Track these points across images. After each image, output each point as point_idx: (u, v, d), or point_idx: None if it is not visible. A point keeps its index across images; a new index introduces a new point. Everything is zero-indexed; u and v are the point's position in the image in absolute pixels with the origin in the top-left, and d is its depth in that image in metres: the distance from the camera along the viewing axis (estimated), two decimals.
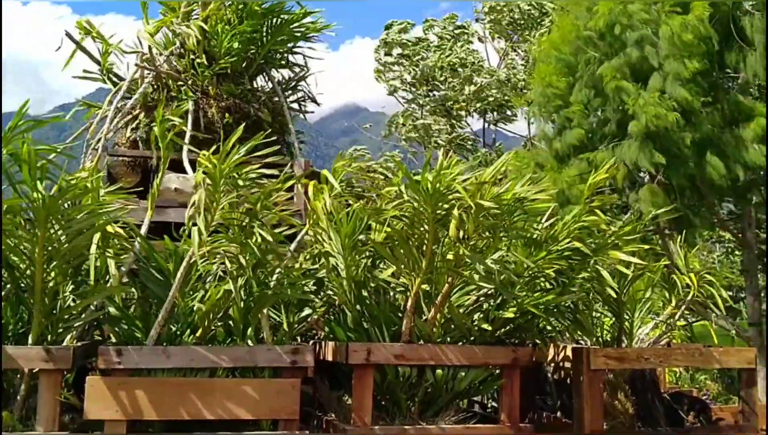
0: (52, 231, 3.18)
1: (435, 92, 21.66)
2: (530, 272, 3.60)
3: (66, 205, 3.21)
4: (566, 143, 10.39)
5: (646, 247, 3.69)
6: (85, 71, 5.41)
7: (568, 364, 4.01)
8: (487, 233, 3.40)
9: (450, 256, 3.37)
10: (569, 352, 3.94)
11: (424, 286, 3.47)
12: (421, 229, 3.36)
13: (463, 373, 3.64)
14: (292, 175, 4.12)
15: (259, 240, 3.38)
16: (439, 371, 3.60)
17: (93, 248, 3.37)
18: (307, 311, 4.06)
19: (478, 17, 22.19)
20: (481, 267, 3.32)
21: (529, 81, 14.32)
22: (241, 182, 3.37)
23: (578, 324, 3.85)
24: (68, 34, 5.25)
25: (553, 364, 4.30)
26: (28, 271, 3.27)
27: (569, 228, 3.53)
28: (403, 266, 3.46)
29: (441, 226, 3.34)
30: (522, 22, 20.76)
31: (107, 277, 3.54)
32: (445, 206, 3.30)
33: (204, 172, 3.22)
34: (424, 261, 3.39)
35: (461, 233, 3.25)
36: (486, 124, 22.14)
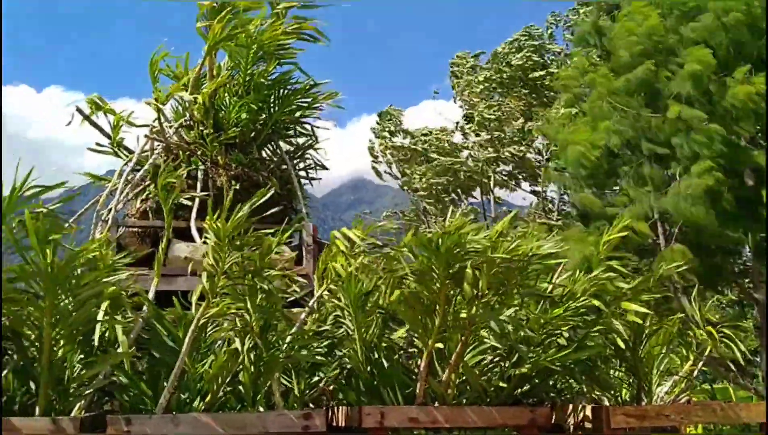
0: (60, 299, 3.15)
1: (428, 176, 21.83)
2: (545, 330, 3.53)
3: (76, 273, 3.19)
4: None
5: (658, 295, 3.63)
6: (97, 144, 5.50)
7: (588, 425, 3.89)
8: (501, 289, 3.35)
9: (463, 314, 3.33)
10: (588, 412, 3.83)
11: (438, 345, 3.40)
12: (434, 287, 3.32)
13: None
14: (294, 228, 4.11)
15: (264, 299, 3.36)
16: (456, 434, 3.50)
17: (100, 316, 3.34)
18: (318, 376, 3.99)
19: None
20: (494, 325, 3.27)
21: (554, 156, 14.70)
22: (244, 242, 3.38)
23: (596, 381, 3.75)
24: (79, 109, 5.37)
25: (571, 426, 4.17)
26: (35, 340, 3.23)
27: (586, 285, 3.49)
28: (416, 326, 3.41)
29: (453, 284, 3.31)
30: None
31: (116, 344, 3.49)
32: (458, 264, 3.27)
33: (211, 233, 3.22)
34: (437, 320, 3.34)
35: (474, 291, 3.21)
36: (485, 199, 22.29)
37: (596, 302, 3.43)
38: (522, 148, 20.19)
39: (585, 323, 3.66)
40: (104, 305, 3.32)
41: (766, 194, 10.47)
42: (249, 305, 3.31)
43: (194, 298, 3.32)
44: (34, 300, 3.13)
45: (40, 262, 3.05)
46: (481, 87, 20.60)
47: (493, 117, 20.07)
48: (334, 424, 3.78)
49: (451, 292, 3.34)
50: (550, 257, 3.52)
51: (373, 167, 22.49)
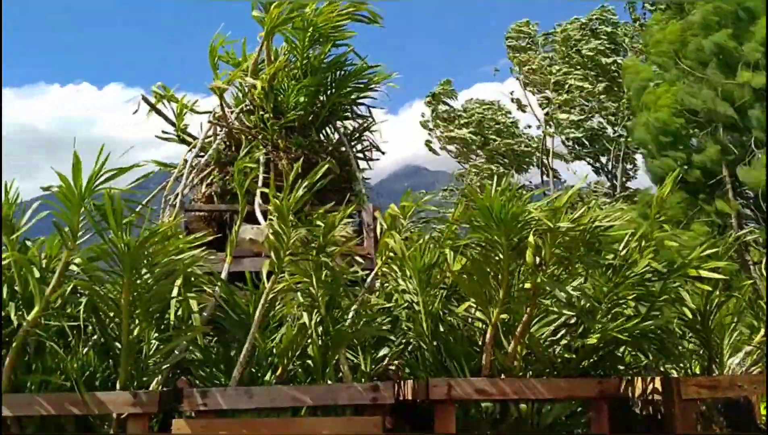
0: (136, 277, 3.28)
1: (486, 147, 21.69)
2: (611, 299, 3.50)
3: (150, 252, 3.31)
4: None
5: (724, 263, 3.53)
6: (163, 132, 5.66)
7: (657, 397, 3.84)
8: (564, 260, 3.34)
9: (527, 285, 3.32)
10: (658, 384, 3.77)
11: (503, 316, 3.41)
12: (496, 257, 3.33)
13: (548, 407, 3.54)
14: (354, 207, 4.16)
15: (329, 274, 3.42)
16: (523, 406, 3.51)
17: (174, 292, 3.46)
18: (383, 351, 4.04)
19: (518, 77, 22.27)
20: (561, 294, 3.26)
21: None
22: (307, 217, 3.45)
23: (665, 353, 3.70)
24: (145, 98, 5.54)
25: (640, 401, 4.12)
26: (114, 317, 3.37)
27: (642, 248, 3.44)
28: (479, 298, 3.42)
29: (516, 254, 3.31)
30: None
31: (190, 321, 3.61)
32: (520, 234, 3.26)
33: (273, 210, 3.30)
34: (501, 291, 3.35)
35: (537, 260, 3.20)
36: (544, 176, 22.04)
37: (655, 265, 3.37)
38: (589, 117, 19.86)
39: (649, 293, 3.60)
40: (178, 282, 3.44)
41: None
42: (314, 281, 3.37)
43: (263, 274, 3.40)
44: (114, 278, 3.26)
45: (117, 242, 3.18)
46: (546, 68, 20.27)
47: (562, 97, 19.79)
48: (402, 397, 3.84)
49: (514, 263, 3.34)
50: (614, 228, 3.48)
51: (428, 144, 22.41)
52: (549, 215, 3.22)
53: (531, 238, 3.18)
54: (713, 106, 11.34)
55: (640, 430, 4.13)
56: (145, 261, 3.29)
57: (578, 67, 20.25)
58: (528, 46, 21.57)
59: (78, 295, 3.71)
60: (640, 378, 4.00)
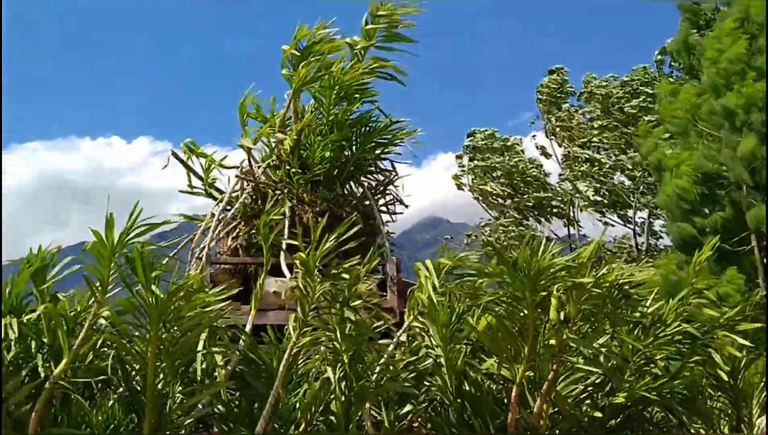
0: (163, 331, 3.32)
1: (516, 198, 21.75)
2: (639, 358, 3.46)
3: (177, 306, 3.35)
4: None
5: (758, 325, 3.49)
6: (190, 186, 5.77)
7: None
8: (591, 317, 3.32)
9: (553, 341, 3.30)
10: None
11: (528, 373, 3.38)
12: (521, 314, 3.32)
13: None
14: (379, 259, 4.18)
15: (352, 329, 3.43)
16: None
17: (200, 346, 3.48)
18: (407, 408, 4.01)
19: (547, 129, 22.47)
20: (587, 351, 3.23)
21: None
22: (333, 271, 3.48)
23: (694, 412, 3.62)
24: (174, 154, 5.67)
25: None
26: (140, 370, 3.40)
27: (677, 310, 3.41)
28: (504, 354, 3.40)
29: (541, 310, 3.30)
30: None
31: (214, 375, 3.62)
32: (544, 290, 3.26)
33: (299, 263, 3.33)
34: (527, 347, 3.33)
35: (562, 316, 3.19)
36: (569, 229, 21.99)
37: (688, 328, 3.34)
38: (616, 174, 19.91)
39: (680, 353, 3.56)
40: (203, 335, 3.47)
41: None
42: (338, 335, 3.38)
43: (290, 328, 3.41)
44: (140, 331, 3.30)
45: (145, 296, 3.22)
46: (581, 125, 20.43)
47: (590, 154, 19.88)
48: None
49: (539, 319, 3.32)
50: (641, 285, 3.47)
51: (456, 182, 22.48)
52: (573, 271, 3.22)
53: (555, 293, 3.18)
54: (732, 168, 11.39)
55: None
56: (171, 315, 3.33)
57: (617, 125, 20.40)
58: (561, 97, 21.74)
59: (105, 348, 3.76)
60: None
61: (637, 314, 3.46)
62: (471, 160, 22.29)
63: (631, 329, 3.51)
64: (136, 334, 3.36)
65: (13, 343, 3.44)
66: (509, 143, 22.16)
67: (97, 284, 3.27)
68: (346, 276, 3.52)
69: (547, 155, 22.39)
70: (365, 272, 3.55)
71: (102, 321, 3.38)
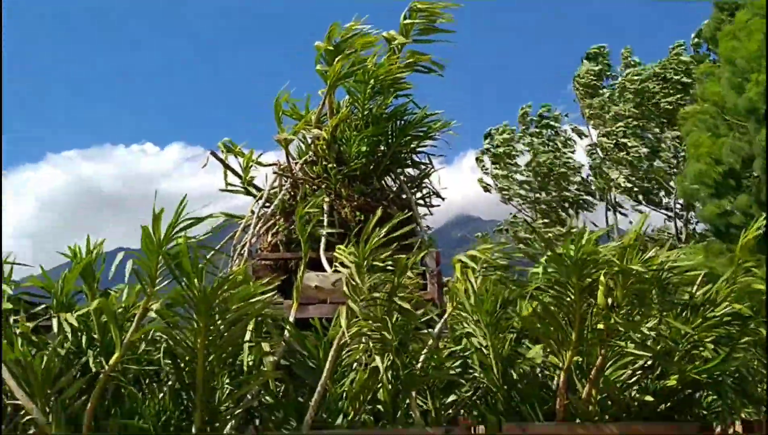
0: (211, 322, 3.36)
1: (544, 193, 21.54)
2: (688, 341, 3.41)
3: (224, 298, 3.38)
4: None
5: None
6: (229, 184, 5.83)
7: None
8: (638, 301, 3.28)
9: (600, 326, 3.27)
10: (738, 428, 3.64)
11: (576, 358, 3.35)
12: (567, 299, 3.30)
13: None
14: (422, 252, 4.17)
15: (399, 319, 3.45)
16: None
17: (247, 336, 3.52)
18: (453, 397, 4.00)
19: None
20: (636, 335, 3.19)
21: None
22: (380, 264, 3.49)
23: (746, 395, 3.56)
24: (213, 153, 5.73)
25: None
26: (189, 362, 3.45)
27: (725, 290, 3.36)
28: (551, 340, 3.38)
29: (587, 296, 3.27)
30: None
31: (261, 366, 3.66)
32: (590, 277, 3.24)
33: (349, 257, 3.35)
34: (574, 333, 3.31)
35: (610, 301, 3.16)
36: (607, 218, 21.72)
37: (738, 307, 3.28)
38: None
39: (730, 334, 3.50)
40: (250, 326, 3.51)
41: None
42: (387, 324, 3.39)
43: (341, 318, 3.42)
44: (190, 323, 3.35)
45: (193, 288, 3.27)
46: (617, 116, 20.14)
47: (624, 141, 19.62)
48: None
49: (586, 305, 3.30)
50: (688, 269, 3.43)
51: (482, 185, 22.34)
52: (619, 255, 3.20)
53: (602, 278, 3.15)
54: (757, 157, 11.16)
55: None
56: (217, 308, 3.37)
57: (653, 117, 20.07)
58: (597, 85, 21.31)
59: (154, 342, 3.82)
60: (719, 426, 3.86)
61: (686, 296, 3.41)
62: (494, 164, 22.01)
63: (680, 313, 3.46)
64: (186, 327, 3.41)
65: (66, 338, 3.52)
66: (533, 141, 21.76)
67: (146, 278, 3.32)
68: (392, 268, 3.54)
69: (581, 135, 21.95)
70: (412, 263, 3.56)
71: (152, 314, 3.42)
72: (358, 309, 3.29)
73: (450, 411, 4.00)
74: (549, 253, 3.21)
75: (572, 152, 21.48)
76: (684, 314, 3.45)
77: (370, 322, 3.37)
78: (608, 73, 21.69)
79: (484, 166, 22.67)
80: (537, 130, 21.97)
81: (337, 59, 5.32)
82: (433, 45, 5.82)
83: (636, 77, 20.41)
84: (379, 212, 3.76)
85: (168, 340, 3.46)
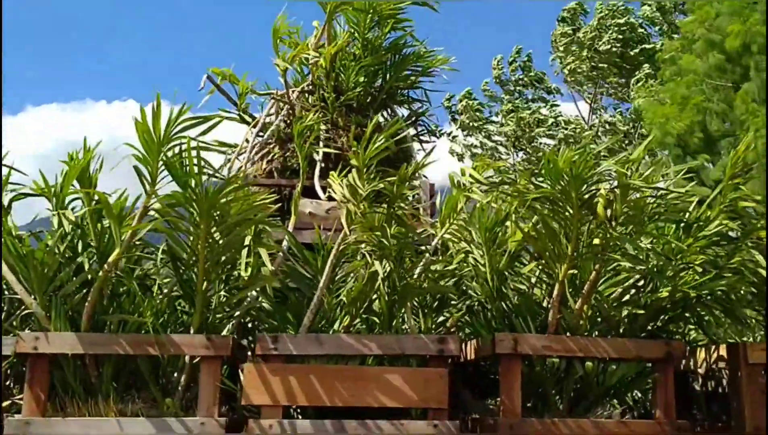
0: (213, 224, 3.37)
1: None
2: (681, 260, 3.49)
3: (225, 201, 3.40)
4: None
5: None
6: (223, 110, 5.80)
7: (722, 364, 3.80)
8: (635, 217, 3.34)
9: (596, 241, 3.34)
10: (723, 352, 3.74)
11: (571, 272, 3.42)
12: (565, 213, 3.35)
13: (613, 367, 3.53)
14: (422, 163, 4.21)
15: (398, 229, 3.49)
16: (588, 364, 3.51)
17: (247, 240, 3.55)
18: (444, 316, 4.08)
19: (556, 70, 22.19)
20: (631, 249, 3.26)
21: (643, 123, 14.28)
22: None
23: (732, 317, 3.66)
24: (209, 77, 5.68)
25: (701, 376, 4.08)
26: (190, 263, 3.47)
27: (717, 208, 3.43)
28: (547, 252, 3.44)
29: (585, 209, 3.33)
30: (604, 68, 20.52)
31: (259, 274, 3.69)
32: (590, 190, 3.29)
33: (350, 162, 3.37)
34: (570, 246, 3.36)
35: (609, 213, 3.22)
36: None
37: (731, 225, 3.36)
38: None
39: (717, 256, 3.58)
40: (251, 231, 3.53)
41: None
42: (387, 232, 3.43)
43: (342, 220, 3.45)
44: (192, 223, 3.36)
45: (197, 187, 3.28)
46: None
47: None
48: (463, 360, 3.87)
49: (583, 219, 3.35)
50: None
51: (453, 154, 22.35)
52: (621, 171, 3.24)
53: (602, 191, 3.20)
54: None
55: (697, 405, 4.09)
56: (219, 211, 3.38)
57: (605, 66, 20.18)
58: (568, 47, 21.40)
59: (149, 246, 3.84)
60: (702, 349, 3.97)
61: (680, 214, 3.48)
62: (464, 131, 22.01)
63: (675, 230, 3.53)
64: (187, 228, 3.42)
65: (65, 235, 3.52)
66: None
67: (146, 174, 3.32)
68: (392, 178, 3.56)
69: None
70: (413, 171, 3.59)
71: (152, 213, 3.43)
72: (357, 211, 3.31)
73: (441, 329, 4.08)
74: (549, 167, 3.24)
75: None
76: (677, 233, 3.52)
77: (369, 228, 3.40)
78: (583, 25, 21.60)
79: (454, 136, 22.60)
80: (513, 89, 21.98)
81: None
82: None
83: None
84: (376, 119, 3.75)
85: (168, 241, 3.48)
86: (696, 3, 11.91)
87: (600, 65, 20.31)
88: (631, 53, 19.87)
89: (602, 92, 20.66)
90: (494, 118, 22.20)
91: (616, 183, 3.26)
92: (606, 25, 20.18)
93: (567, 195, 3.29)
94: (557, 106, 22.00)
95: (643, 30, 20.38)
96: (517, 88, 22.11)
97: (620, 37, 19.87)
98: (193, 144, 3.35)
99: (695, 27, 12.09)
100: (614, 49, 19.85)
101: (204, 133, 3.51)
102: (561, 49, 21.47)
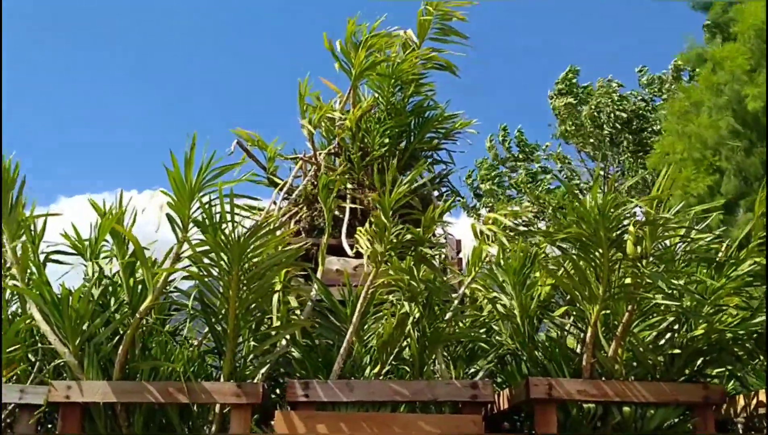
0: (242, 270, 3.41)
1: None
2: (715, 298, 3.44)
3: (257, 245, 3.44)
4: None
5: None
6: (253, 174, 5.93)
7: (762, 410, 3.68)
8: (665, 254, 3.33)
9: (628, 280, 3.32)
10: (762, 397, 3.63)
11: (604, 313, 3.38)
12: (595, 253, 3.35)
13: (652, 412, 3.44)
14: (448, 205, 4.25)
15: (427, 271, 3.50)
16: (626, 409, 3.42)
17: (278, 286, 3.58)
18: (475, 368, 4.02)
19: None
20: (664, 285, 3.22)
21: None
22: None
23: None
24: (239, 143, 5.84)
25: (740, 424, 3.95)
26: (220, 310, 3.49)
27: (747, 247, 3.41)
28: (578, 294, 3.41)
29: (615, 248, 3.32)
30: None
31: (289, 322, 3.70)
32: (618, 228, 3.29)
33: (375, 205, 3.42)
34: (601, 287, 3.34)
35: (639, 250, 3.21)
36: None
37: (762, 260, 3.32)
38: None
39: (752, 297, 3.53)
40: (281, 276, 3.56)
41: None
42: (416, 273, 3.44)
43: (367, 265, 3.47)
44: (223, 270, 3.40)
45: (230, 234, 3.33)
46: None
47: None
48: (496, 411, 3.79)
49: (613, 258, 3.34)
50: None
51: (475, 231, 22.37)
52: (649, 209, 3.26)
53: (631, 228, 3.21)
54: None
55: None
56: (250, 255, 3.42)
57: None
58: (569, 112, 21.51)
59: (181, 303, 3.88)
60: (741, 396, 3.86)
61: (711, 253, 3.45)
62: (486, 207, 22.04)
63: (707, 269, 3.50)
64: (218, 275, 3.46)
65: (99, 282, 3.57)
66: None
67: (179, 221, 3.39)
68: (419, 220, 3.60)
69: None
70: (440, 213, 3.63)
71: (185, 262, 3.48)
72: (384, 251, 3.33)
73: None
74: (575, 205, 3.26)
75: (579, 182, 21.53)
76: (708, 272, 3.48)
77: (398, 269, 3.41)
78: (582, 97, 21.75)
79: (476, 213, 22.55)
80: (515, 164, 22.10)
81: (360, 49, 5.47)
82: (451, 41, 5.99)
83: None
84: (393, 162, 3.80)
85: (200, 287, 3.51)
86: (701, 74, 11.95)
87: (605, 140, 20.42)
88: (633, 126, 19.99)
89: (613, 156, 20.67)
90: (512, 193, 22.26)
91: (644, 218, 3.26)
92: (605, 103, 20.35)
93: (596, 234, 3.29)
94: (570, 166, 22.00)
95: (644, 103, 20.54)
96: (518, 163, 22.24)
97: (622, 115, 20.04)
98: (226, 190, 3.43)
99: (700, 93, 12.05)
100: (617, 125, 20.00)
101: (234, 182, 3.61)
102: (566, 119, 21.56)
